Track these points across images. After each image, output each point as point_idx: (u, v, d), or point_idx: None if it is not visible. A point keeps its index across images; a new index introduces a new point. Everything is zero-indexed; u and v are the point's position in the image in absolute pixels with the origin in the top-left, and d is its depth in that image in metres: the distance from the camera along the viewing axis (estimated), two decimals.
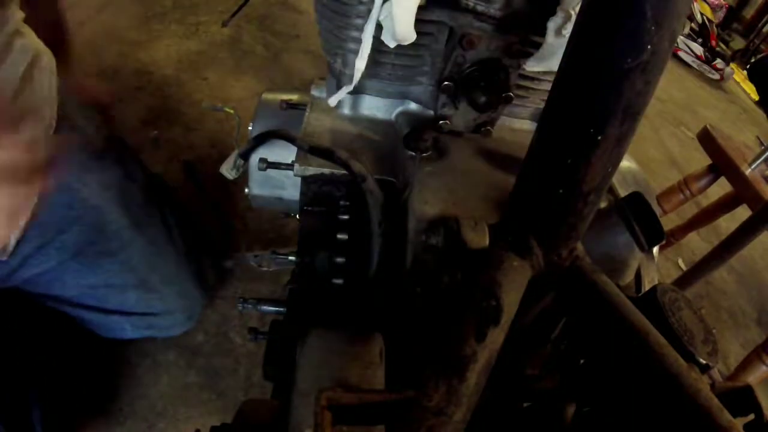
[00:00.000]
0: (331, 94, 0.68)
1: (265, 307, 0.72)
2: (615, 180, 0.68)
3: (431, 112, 0.68)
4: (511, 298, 0.34)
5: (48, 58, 0.79)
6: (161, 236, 0.92)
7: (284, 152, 0.71)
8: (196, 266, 0.99)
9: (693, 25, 3.78)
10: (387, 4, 0.52)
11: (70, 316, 0.88)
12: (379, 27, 0.55)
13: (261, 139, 0.57)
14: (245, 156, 0.57)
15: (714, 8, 4.27)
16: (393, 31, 0.53)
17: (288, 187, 0.73)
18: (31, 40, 0.77)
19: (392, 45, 0.56)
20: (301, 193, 0.65)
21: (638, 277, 0.58)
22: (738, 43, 4.92)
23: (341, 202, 0.62)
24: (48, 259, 0.79)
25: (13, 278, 0.79)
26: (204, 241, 1.09)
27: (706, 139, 1.38)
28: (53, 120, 0.76)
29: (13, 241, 0.74)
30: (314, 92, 0.71)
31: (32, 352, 0.82)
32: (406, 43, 0.55)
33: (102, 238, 0.82)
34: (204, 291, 1.02)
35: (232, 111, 0.58)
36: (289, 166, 0.63)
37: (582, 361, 0.41)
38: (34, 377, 0.80)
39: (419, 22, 0.53)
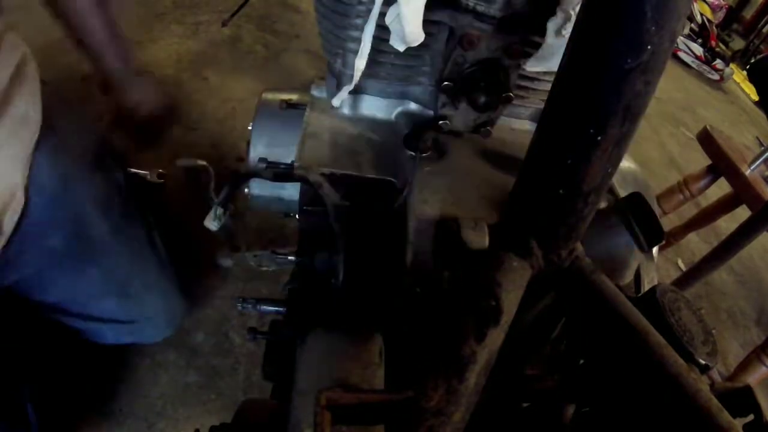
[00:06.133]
0: (331, 94, 0.68)
1: (265, 307, 0.72)
2: (615, 180, 0.68)
3: (431, 112, 0.68)
4: (511, 299, 0.34)
5: (34, 65, 0.78)
6: (143, 243, 0.91)
7: (284, 152, 0.71)
8: (179, 272, 0.98)
9: (693, 25, 3.78)
10: (393, 8, 0.52)
11: (52, 320, 0.87)
12: (380, 29, 0.55)
13: (236, 184, 0.59)
14: (224, 204, 0.59)
15: (714, 9, 4.27)
16: (402, 33, 0.53)
17: (288, 187, 0.73)
18: (17, 45, 0.76)
19: (402, 48, 0.56)
20: (301, 193, 0.65)
21: (638, 277, 0.58)
22: (738, 43, 4.92)
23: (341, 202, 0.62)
24: (27, 265, 0.77)
25: None
26: (191, 246, 1.08)
27: (706, 139, 1.38)
28: (38, 126, 0.76)
29: None
30: (314, 92, 0.71)
31: (24, 347, 0.82)
32: (414, 45, 0.55)
33: (83, 245, 0.82)
34: (186, 297, 1.00)
35: (204, 163, 0.60)
36: (288, 166, 0.63)
37: (582, 361, 0.41)
38: (26, 372, 0.80)
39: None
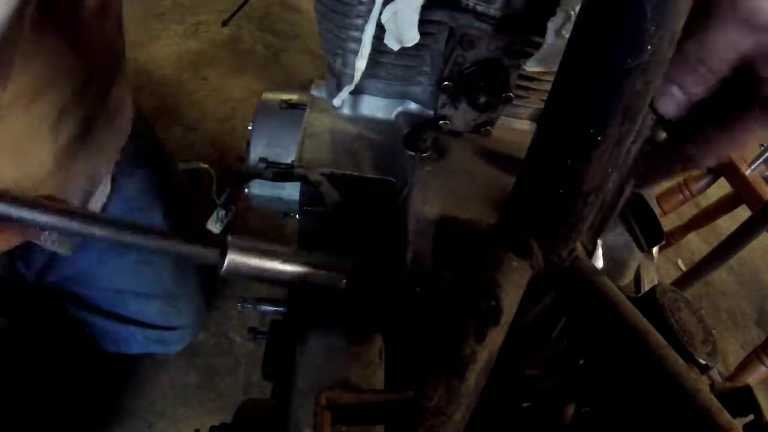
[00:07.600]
0: (331, 94, 0.68)
1: (265, 307, 0.72)
2: None
3: (431, 112, 0.68)
4: (510, 299, 0.34)
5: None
6: None
7: (284, 152, 0.71)
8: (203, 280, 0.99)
9: None
10: (389, 7, 0.52)
11: (84, 322, 0.87)
12: (380, 29, 0.55)
13: (237, 187, 0.59)
14: (226, 207, 0.59)
15: None
16: (397, 33, 0.53)
17: (288, 187, 0.73)
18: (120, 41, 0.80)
19: (396, 48, 0.56)
20: (301, 193, 0.65)
21: (638, 277, 0.58)
22: None
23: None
24: (91, 253, 0.79)
25: (53, 273, 0.79)
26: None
27: None
28: (130, 120, 0.80)
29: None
30: (314, 92, 0.71)
31: (35, 354, 0.82)
32: (409, 45, 0.55)
33: None
34: (208, 306, 1.03)
35: (206, 166, 0.60)
36: (288, 166, 0.63)
37: (582, 361, 0.41)
38: (37, 374, 0.80)
39: (419, 22, 0.54)
